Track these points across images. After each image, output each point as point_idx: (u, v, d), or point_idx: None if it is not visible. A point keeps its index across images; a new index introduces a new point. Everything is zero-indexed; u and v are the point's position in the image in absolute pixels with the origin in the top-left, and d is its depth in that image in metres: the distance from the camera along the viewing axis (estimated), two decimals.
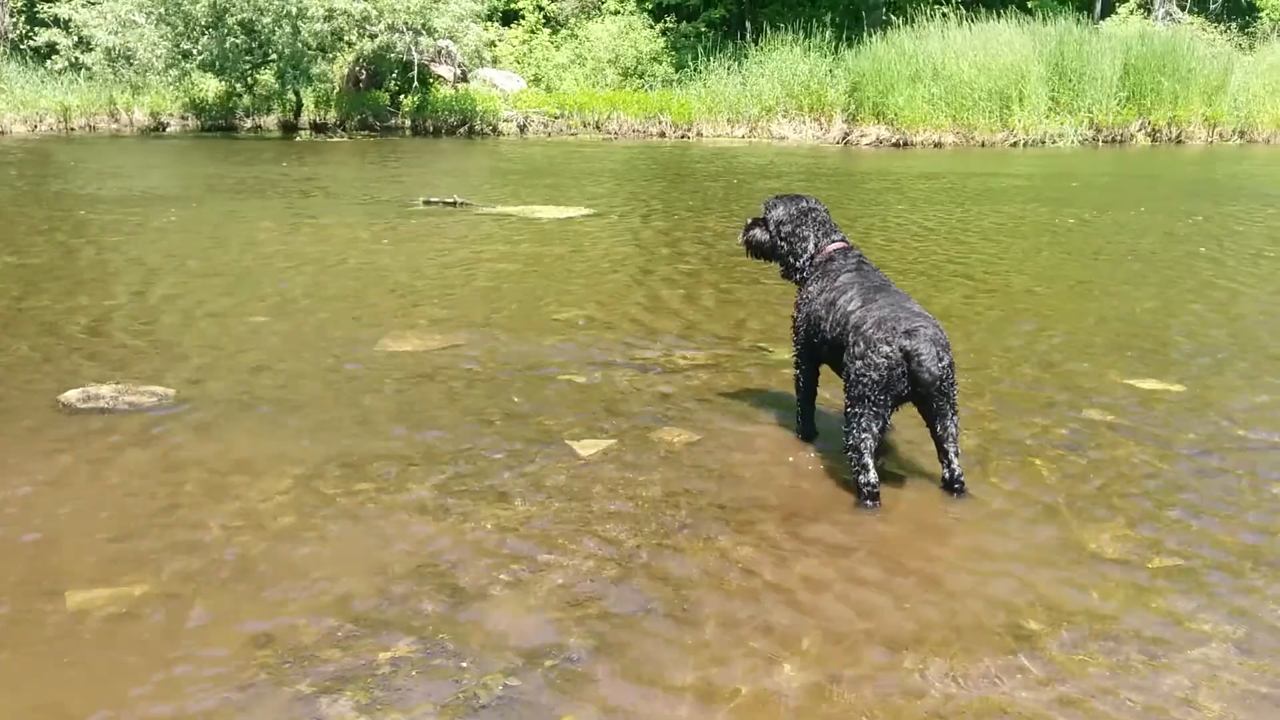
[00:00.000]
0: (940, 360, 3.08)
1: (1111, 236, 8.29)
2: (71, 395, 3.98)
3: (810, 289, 3.59)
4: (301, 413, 3.94)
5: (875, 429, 3.12)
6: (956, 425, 3.19)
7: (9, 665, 2.36)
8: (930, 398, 3.13)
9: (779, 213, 3.71)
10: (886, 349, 3.08)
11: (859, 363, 3.13)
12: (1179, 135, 17.16)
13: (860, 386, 3.12)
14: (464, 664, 2.36)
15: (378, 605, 2.60)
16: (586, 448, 3.61)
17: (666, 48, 20.48)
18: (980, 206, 9.60)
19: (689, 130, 17.93)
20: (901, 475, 3.40)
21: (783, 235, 3.69)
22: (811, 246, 3.64)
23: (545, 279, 6.41)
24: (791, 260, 3.68)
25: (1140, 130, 17.10)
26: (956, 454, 3.19)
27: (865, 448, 3.11)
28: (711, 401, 4.11)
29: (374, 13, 16.50)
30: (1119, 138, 16.95)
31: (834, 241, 3.64)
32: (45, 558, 2.83)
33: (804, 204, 3.71)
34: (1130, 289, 6.32)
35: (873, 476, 3.12)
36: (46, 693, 2.27)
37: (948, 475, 3.21)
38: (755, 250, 3.81)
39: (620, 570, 2.79)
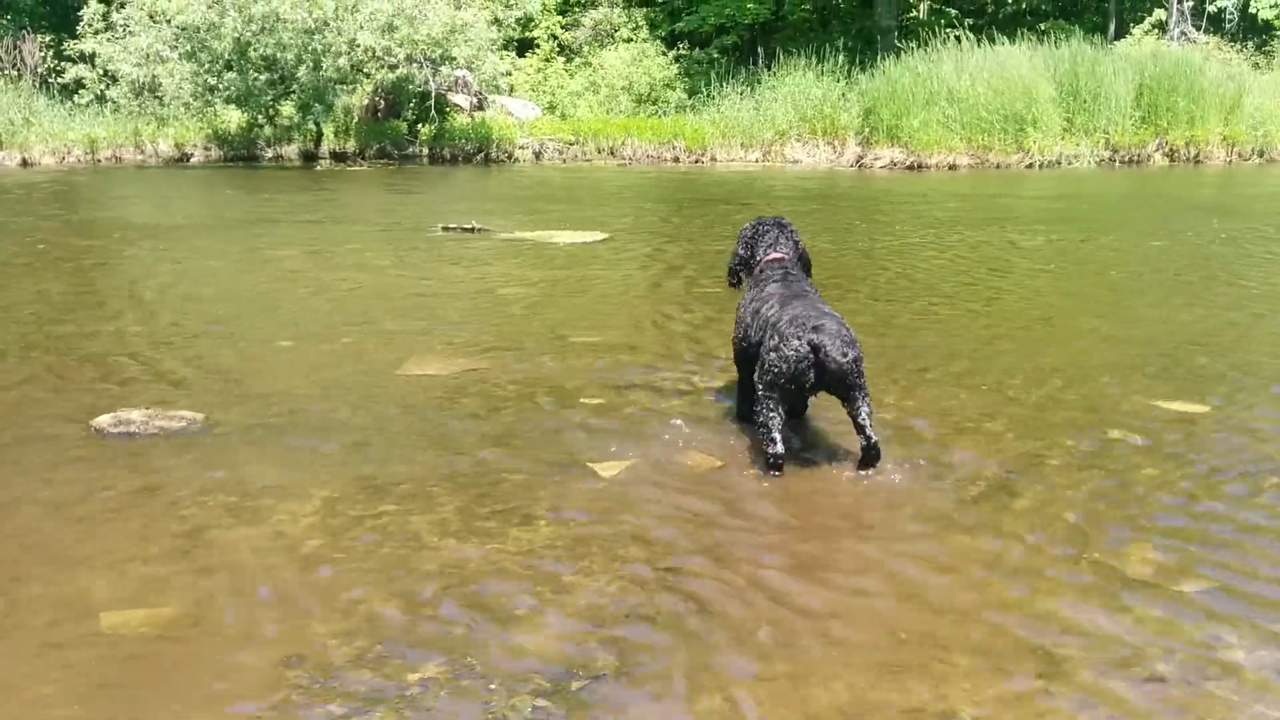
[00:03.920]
0: (845, 354, 3.47)
1: (1137, 258, 8.27)
2: (103, 420, 4.04)
3: (744, 297, 4.09)
4: (328, 436, 3.98)
5: (782, 410, 3.59)
6: (869, 406, 3.55)
7: (43, 686, 2.39)
8: (838, 385, 3.53)
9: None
10: (795, 343, 3.50)
11: (772, 354, 3.58)
12: (1197, 155, 17.07)
13: (771, 375, 3.55)
14: (492, 685, 2.38)
15: (405, 626, 2.62)
16: (608, 469, 3.64)
17: (680, 74, 20.63)
18: (999, 229, 9.60)
19: (703, 155, 18.00)
20: (921, 497, 3.40)
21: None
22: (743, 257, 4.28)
23: (563, 303, 6.46)
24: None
25: (1157, 150, 17.05)
26: (870, 426, 3.52)
27: (774, 424, 3.54)
28: (729, 425, 4.12)
29: (395, 47, 16.73)
30: (1136, 158, 16.89)
31: (771, 253, 4.13)
32: (78, 580, 2.87)
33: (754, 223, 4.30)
34: (1159, 310, 6.29)
35: (780, 449, 3.53)
36: (81, 715, 2.30)
37: (864, 444, 3.54)
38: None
39: (645, 592, 2.80)
